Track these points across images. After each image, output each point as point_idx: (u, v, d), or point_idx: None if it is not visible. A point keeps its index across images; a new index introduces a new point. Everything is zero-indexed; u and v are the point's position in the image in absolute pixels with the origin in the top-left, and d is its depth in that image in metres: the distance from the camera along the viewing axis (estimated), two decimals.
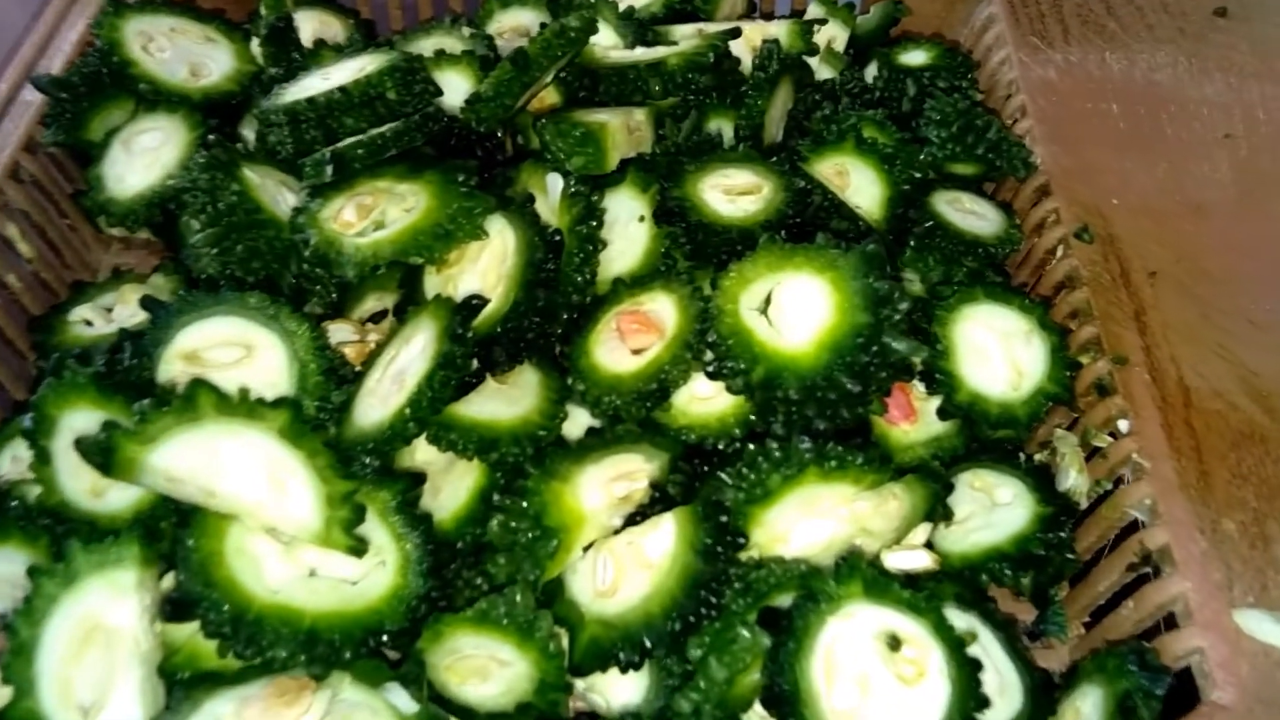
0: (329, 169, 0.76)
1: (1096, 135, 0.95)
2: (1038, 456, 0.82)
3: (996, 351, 0.79)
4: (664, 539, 0.67)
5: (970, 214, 0.90)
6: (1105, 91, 0.99)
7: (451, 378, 0.70)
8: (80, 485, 0.72)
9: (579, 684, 0.70)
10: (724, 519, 0.66)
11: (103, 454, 0.65)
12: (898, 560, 0.71)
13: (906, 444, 0.80)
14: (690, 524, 0.66)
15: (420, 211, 0.77)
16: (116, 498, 0.72)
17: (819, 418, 0.69)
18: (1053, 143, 0.94)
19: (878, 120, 0.88)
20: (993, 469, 0.78)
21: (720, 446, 0.74)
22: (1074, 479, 0.77)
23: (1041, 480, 0.76)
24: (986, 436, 0.79)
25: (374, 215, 0.77)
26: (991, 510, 0.76)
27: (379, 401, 0.73)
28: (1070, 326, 0.83)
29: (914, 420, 0.80)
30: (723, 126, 0.93)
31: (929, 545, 0.74)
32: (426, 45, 0.98)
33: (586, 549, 0.70)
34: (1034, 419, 0.78)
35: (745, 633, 0.65)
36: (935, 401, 0.80)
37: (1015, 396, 0.78)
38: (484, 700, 0.69)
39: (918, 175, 0.87)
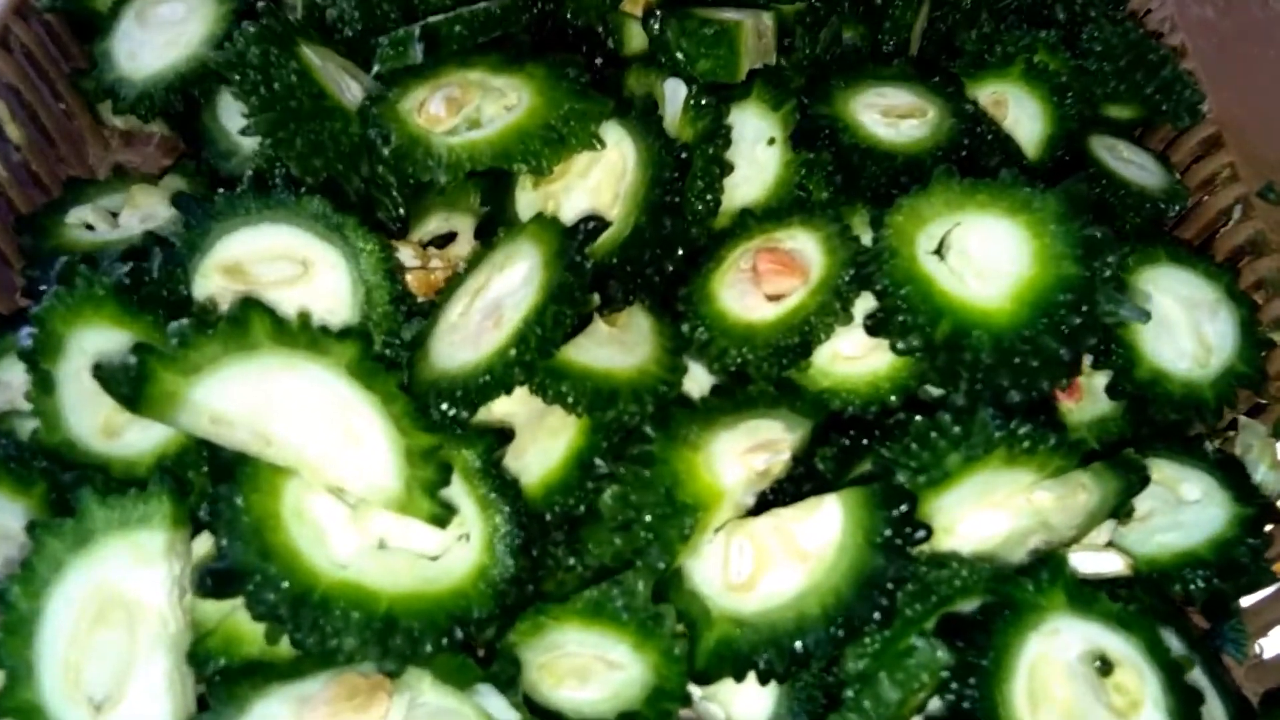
0: (419, 49, 0.62)
1: (1268, 83, 0.83)
2: (1208, 444, 0.71)
3: (1182, 322, 0.68)
4: (828, 526, 0.55)
5: (1130, 164, 0.79)
6: (1271, 36, 0.87)
7: (566, 314, 0.57)
8: (90, 422, 0.59)
9: (695, 691, 0.59)
10: (908, 506, 0.54)
11: (132, 384, 0.51)
12: (1084, 562, 0.59)
13: (1070, 425, 0.68)
14: (864, 510, 0.54)
15: (524, 110, 0.63)
16: (135, 439, 0.59)
17: (1014, 387, 0.57)
18: (1220, 88, 0.82)
19: (1050, 43, 0.76)
20: (1174, 459, 0.67)
21: (871, 414, 0.62)
22: (1263, 474, 0.67)
23: (1234, 475, 0.66)
24: (1164, 419, 0.67)
25: (467, 111, 0.63)
26: (1177, 508, 0.65)
27: (468, 340, 0.60)
28: (1256, 299, 0.72)
29: (1078, 397, 0.69)
30: (854, 41, 0.80)
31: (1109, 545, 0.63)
32: None
33: (716, 531, 0.58)
34: (1223, 402, 0.67)
35: (922, 644, 0.54)
36: (1101, 377, 0.69)
37: (1202, 376, 0.67)
38: (580, 707, 0.59)
39: (1086, 113, 0.75)
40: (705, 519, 0.56)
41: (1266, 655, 0.68)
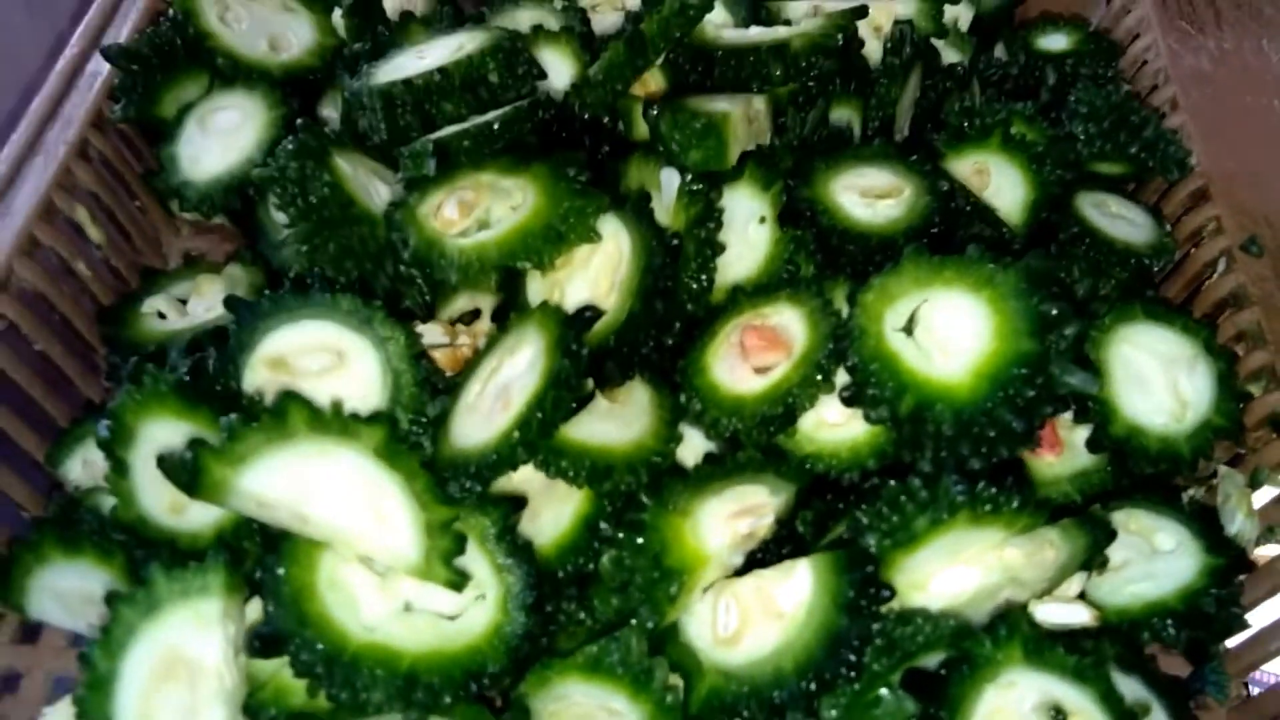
0: (432, 161, 0.69)
1: (1259, 134, 0.86)
2: (1189, 493, 0.74)
3: (1158, 378, 0.72)
4: (800, 587, 0.60)
5: (1119, 219, 0.82)
6: (1265, 85, 0.89)
7: (565, 398, 0.63)
8: (159, 501, 0.67)
9: None
10: (870, 570, 0.59)
11: (189, 474, 0.59)
12: (1051, 614, 0.63)
13: (1050, 478, 0.72)
14: (831, 573, 0.60)
15: (529, 210, 0.70)
16: (197, 516, 0.67)
17: (974, 456, 0.61)
18: (1210, 141, 0.85)
19: (1027, 114, 0.80)
20: (1151, 510, 0.70)
21: (851, 479, 0.67)
22: (1240, 523, 0.70)
23: (1208, 526, 0.69)
24: (1142, 472, 0.71)
25: (477, 213, 0.70)
26: (1151, 558, 0.68)
27: (481, 420, 0.66)
28: (1237, 351, 0.75)
29: (1059, 451, 0.73)
30: (846, 117, 0.85)
31: (1081, 596, 0.67)
32: (521, 19, 0.91)
33: (705, 590, 0.64)
34: (1199, 455, 0.70)
35: (888, 695, 0.59)
36: (1083, 431, 0.73)
37: (1178, 430, 0.70)
38: None
39: (1067, 177, 0.78)
40: (691, 581, 0.62)
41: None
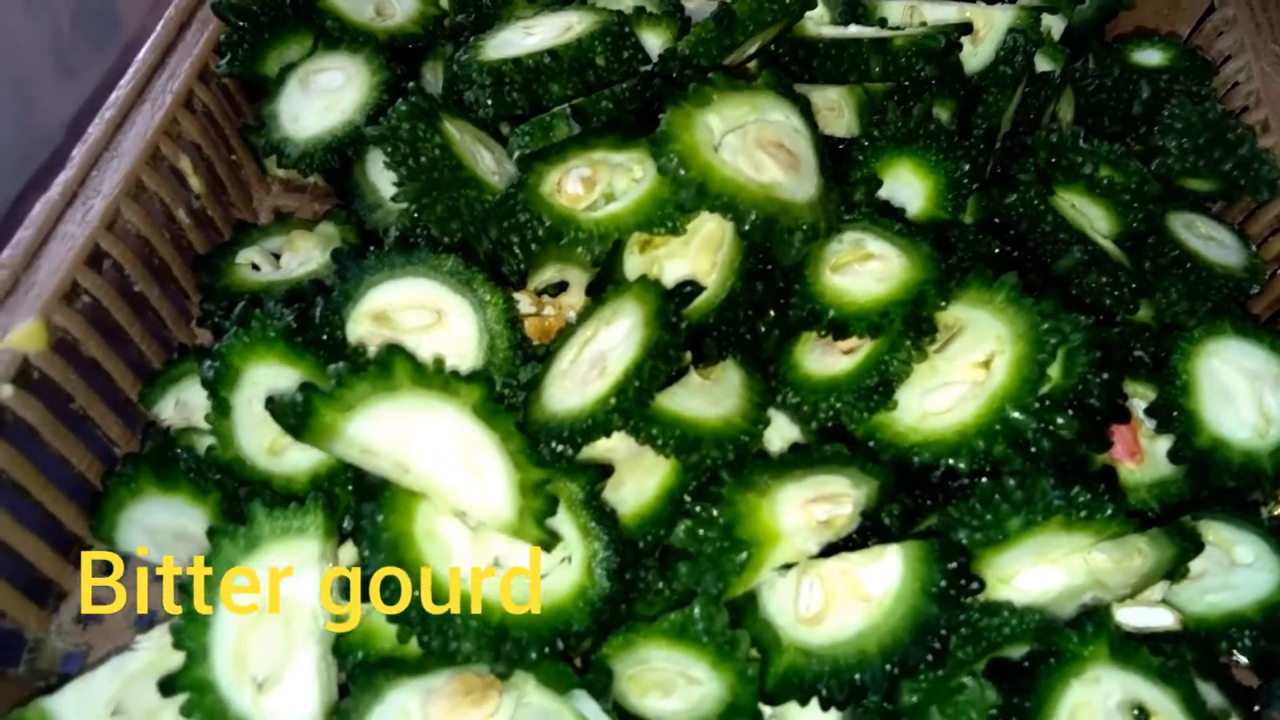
0: (572, 124, 0.70)
1: None
2: (1265, 510, 0.75)
3: (1244, 393, 0.72)
4: (888, 573, 0.61)
5: (1210, 240, 0.83)
6: None
7: (662, 368, 0.64)
8: (258, 443, 0.69)
9: (766, 709, 0.65)
10: (962, 561, 0.60)
11: (298, 417, 0.61)
12: (1135, 616, 0.64)
13: (1130, 485, 0.73)
14: (922, 562, 0.60)
15: (653, 180, 0.71)
16: (294, 459, 0.69)
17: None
18: None
19: (1114, 160, 0.80)
20: (1230, 523, 0.71)
21: (961, 466, 0.66)
22: None
23: None
24: (1222, 485, 0.71)
25: (600, 188, 0.71)
26: (1230, 570, 0.69)
27: (574, 386, 0.68)
28: None
29: (1140, 460, 0.73)
30: (940, 117, 0.85)
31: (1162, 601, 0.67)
32: (625, 1, 0.92)
33: (782, 570, 0.65)
34: None
35: (971, 683, 0.59)
36: (1164, 441, 0.73)
37: (1262, 445, 0.71)
38: (663, 716, 0.65)
39: (1155, 211, 0.79)
40: (759, 556, 0.62)
41: None
